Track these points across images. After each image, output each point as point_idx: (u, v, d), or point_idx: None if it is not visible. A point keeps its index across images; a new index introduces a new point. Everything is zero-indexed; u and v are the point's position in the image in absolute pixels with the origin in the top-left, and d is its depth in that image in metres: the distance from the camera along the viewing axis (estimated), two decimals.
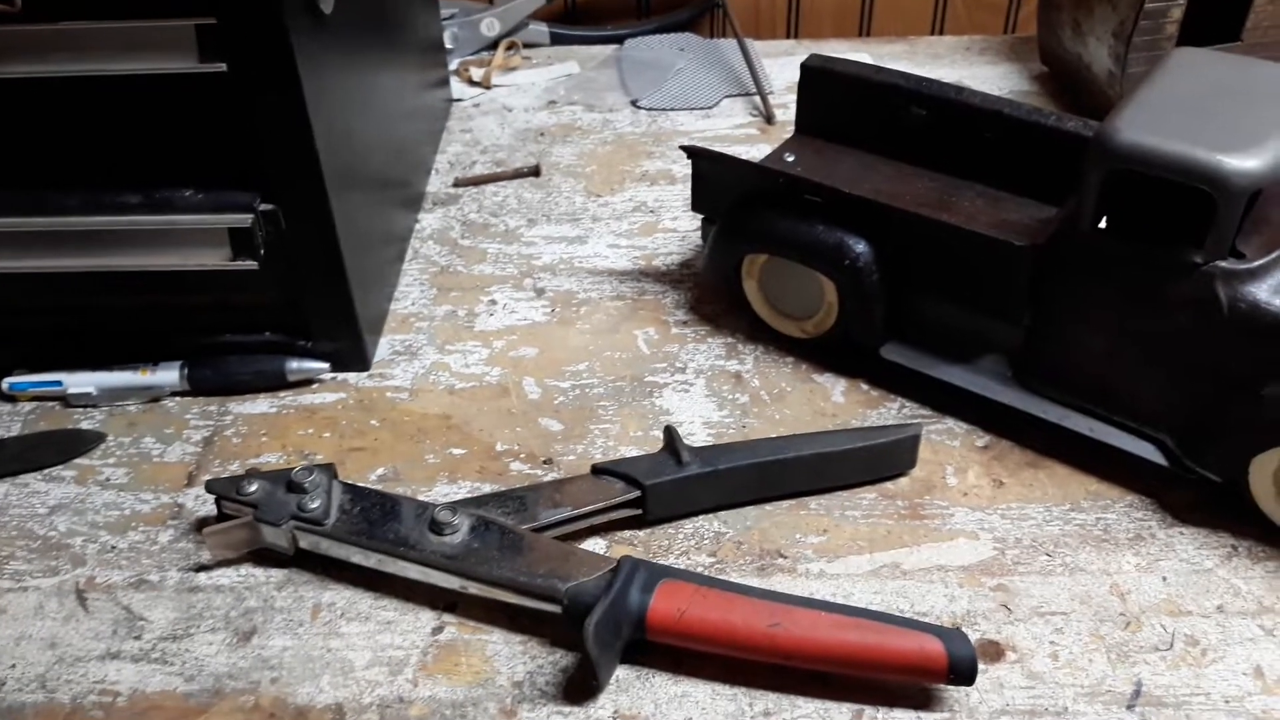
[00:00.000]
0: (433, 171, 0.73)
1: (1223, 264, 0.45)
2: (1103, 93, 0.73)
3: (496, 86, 0.82)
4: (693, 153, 0.57)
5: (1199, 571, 0.46)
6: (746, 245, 0.56)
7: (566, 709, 0.42)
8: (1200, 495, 0.48)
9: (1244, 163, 0.43)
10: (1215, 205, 0.43)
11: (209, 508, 0.49)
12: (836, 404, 0.55)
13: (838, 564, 0.47)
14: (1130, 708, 0.41)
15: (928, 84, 0.60)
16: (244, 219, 0.50)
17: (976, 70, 0.83)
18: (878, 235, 0.52)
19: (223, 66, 0.46)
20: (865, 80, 0.61)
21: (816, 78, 0.62)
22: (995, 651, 0.43)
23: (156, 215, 0.50)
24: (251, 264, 0.51)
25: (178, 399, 0.56)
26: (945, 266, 0.52)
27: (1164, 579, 0.46)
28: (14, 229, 0.51)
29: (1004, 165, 0.58)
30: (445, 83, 0.81)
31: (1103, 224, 0.48)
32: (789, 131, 0.65)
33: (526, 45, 0.87)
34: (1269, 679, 0.42)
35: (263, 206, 0.50)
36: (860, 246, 0.52)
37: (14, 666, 0.44)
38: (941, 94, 0.59)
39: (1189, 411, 0.47)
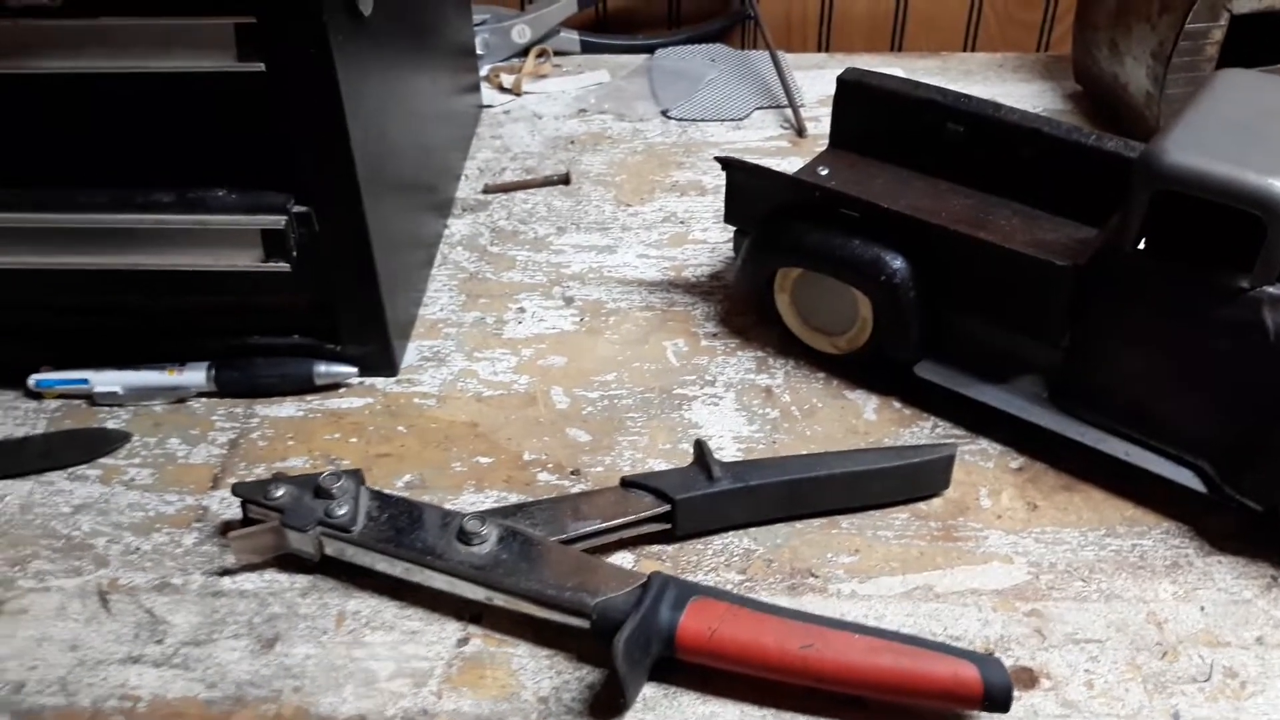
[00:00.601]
0: (462, 177, 0.73)
1: (1271, 289, 0.44)
2: (1140, 114, 0.72)
3: (527, 94, 0.82)
4: (727, 164, 0.57)
5: (1238, 602, 0.45)
6: (780, 258, 0.55)
7: None
8: (1238, 524, 0.48)
9: None
10: (1265, 229, 0.43)
11: (234, 511, 0.49)
12: (869, 421, 0.54)
13: (870, 585, 0.46)
14: None
15: (965, 100, 0.59)
16: (277, 220, 0.50)
17: (1010, 88, 0.83)
18: (915, 251, 0.52)
19: (261, 66, 0.46)
20: (902, 95, 0.60)
21: (853, 91, 0.62)
22: (1029, 678, 0.42)
23: (189, 215, 0.50)
24: (283, 266, 0.51)
25: (204, 400, 0.55)
26: (983, 285, 0.51)
27: (1202, 609, 0.45)
28: (45, 224, 0.50)
29: (1041, 184, 0.57)
30: (476, 88, 0.81)
31: (1143, 245, 0.47)
32: (820, 145, 0.65)
33: (557, 53, 0.87)
34: None
35: (296, 208, 0.50)
36: (897, 262, 0.52)
37: (35, 668, 0.43)
38: (979, 110, 0.59)
39: (1229, 437, 0.47)
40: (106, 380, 0.55)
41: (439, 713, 0.41)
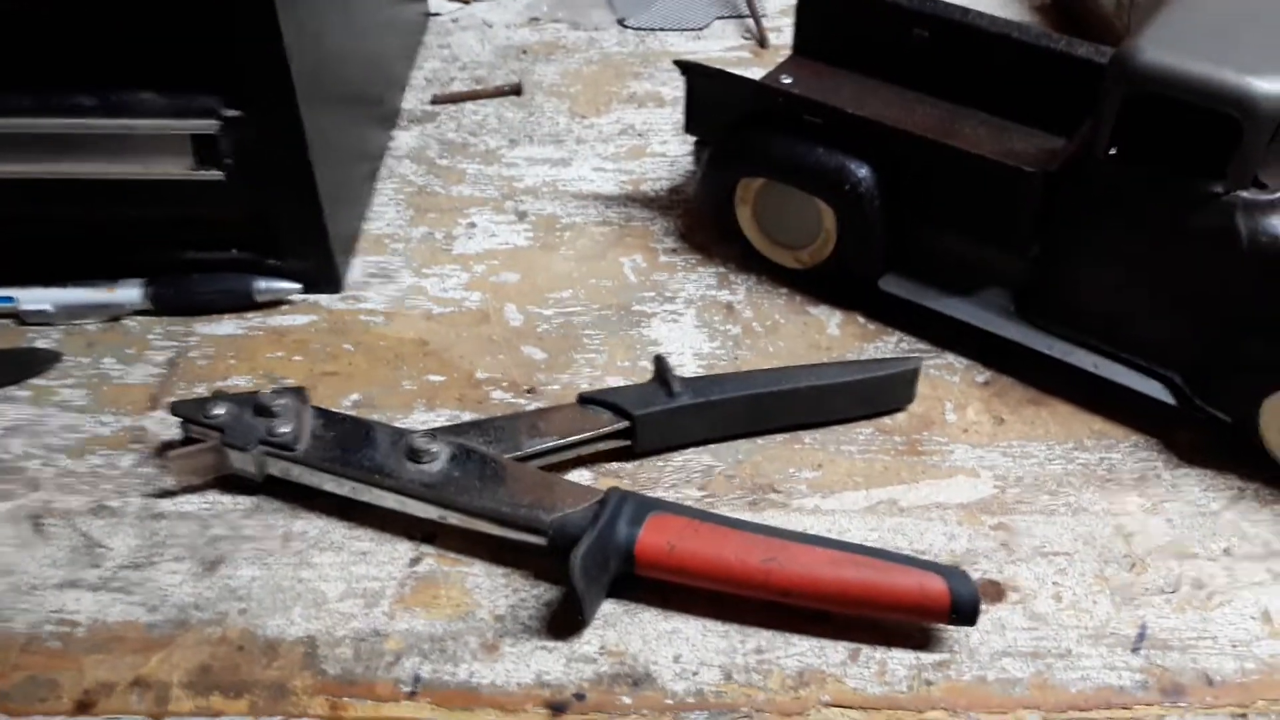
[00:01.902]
0: (408, 88, 0.70)
1: (1244, 194, 0.43)
2: (1109, 24, 0.71)
3: (475, 1, 0.79)
4: (688, 68, 0.54)
5: (1205, 514, 0.45)
6: (742, 168, 0.53)
7: (551, 644, 0.40)
8: (1207, 436, 0.47)
9: (1274, 86, 0.41)
10: (1240, 131, 0.41)
11: (173, 432, 0.47)
12: (832, 337, 0.52)
13: (832, 499, 0.45)
14: (1135, 650, 0.40)
15: (932, 4, 0.57)
16: (209, 125, 0.47)
17: (974, 0, 0.80)
18: (881, 160, 0.50)
19: None
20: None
21: None
22: (996, 592, 0.42)
23: (113, 119, 0.47)
24: (217, 174, 0.48)
25: (139, 318, 0.53)
26: (950, 194, 0.49)
27: (1169, 521, 0.44)
28: None
29: (1010, 92, 0.56)
30: None
31: (1115, 151, 0.45)
32: (782, 56, 0.62)
33: None
34: (1276, 623, 0.41)
35: (228, 113, 0.47)
36: (863, 171, 0.50)
37: None
38: (946, 15, 0.56)
39: (1201, 348, 0.46)
40: (35, 298, 0.52)
41: (391, 633, 0.40)
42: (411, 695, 0.38)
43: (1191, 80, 0.42)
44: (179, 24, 0.45)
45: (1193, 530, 0.44)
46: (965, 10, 0.56)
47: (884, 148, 0.50)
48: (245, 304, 0.53)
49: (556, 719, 0.38)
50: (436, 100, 0.68)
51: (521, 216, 0.60)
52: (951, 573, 0.39)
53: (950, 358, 0.51)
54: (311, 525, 0.44)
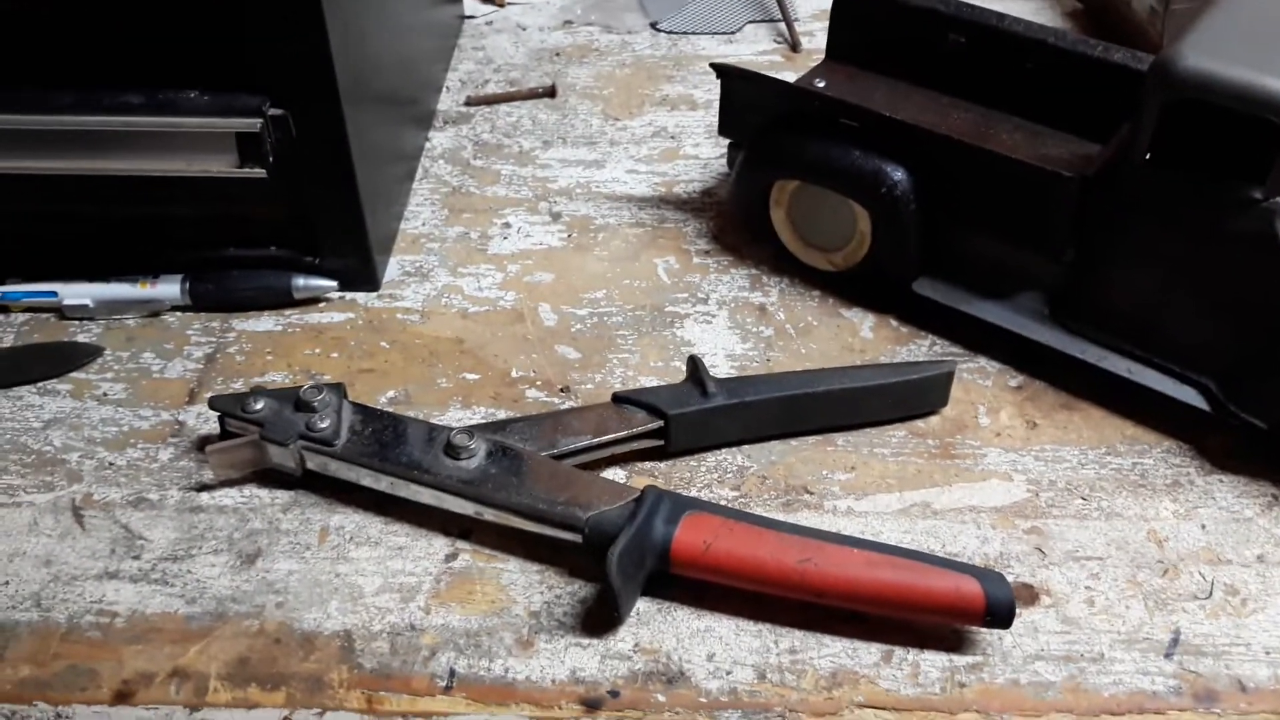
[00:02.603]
0: (444, 89, 0.70)
1: None
2: (1143, 31, 0.70)
3: (510, 4, 0.79)
4: (723, 71, 0.55)
5: (1239, 520, 0.45)
6: (776, 170, 0.54)
7: (585, 640, 0.40)
8: (1241, 443, 0.47)
9: None
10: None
11: (211, 426, 0.47)
12: (865, 339, 0.53)
13: (866, 501, 0.45)
14: (1168, 656, 0.40)
15: (968, 9, 0.57)
16: (252, 123, 0.47)
17: (1006, 5, 0.80)
18: (917, 163, 0.50)
19: None
20: (902, 4, 0.58)
21: (851, 1, 0.59)
22: (1029, 595, 0.42)
23: (160, 117, 0.48)
24: (259, 172, 0.49)
25: (178, 314, 0.54)
26: (986, 198, 0.50)
27: (1203, 526, 0.44)
28: (9, 127, 0.48)
29: (1045, 98, 0.56)
30: None
31: (1150, 157, 0.45)
32: (814, 61, 0.63)
33: None
34: None
35: (272, 111, 0.48)
36: (898, 174, 0.50)
37: (7, 583, 0.42)
38: (982, 20, 0.57)
39: (1236, 354, 0.46)
40: (76, 293, 0.53)
41: (427, 627, 0.40)
42: (447, 690, 0.39)
43: (1232, 86, 0.42)
44: (225, 24, 0.46)
45: (1226, 536, 0.44)
46: (1001, 16, 0.56)
47: (920, 151, 0.50)
48: (283, 301, 0.53)
49: (591, 715, 0.38)
50: (471, 102, 0.69)
51: (555, 217, 0.60)
52: (987, 575, 0.39)
53: (983, 361, 0.51)
54: (349, 520, 0.44)
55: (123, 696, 0.39)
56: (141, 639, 0.40)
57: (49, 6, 0.46)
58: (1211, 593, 0.42)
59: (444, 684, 0.39)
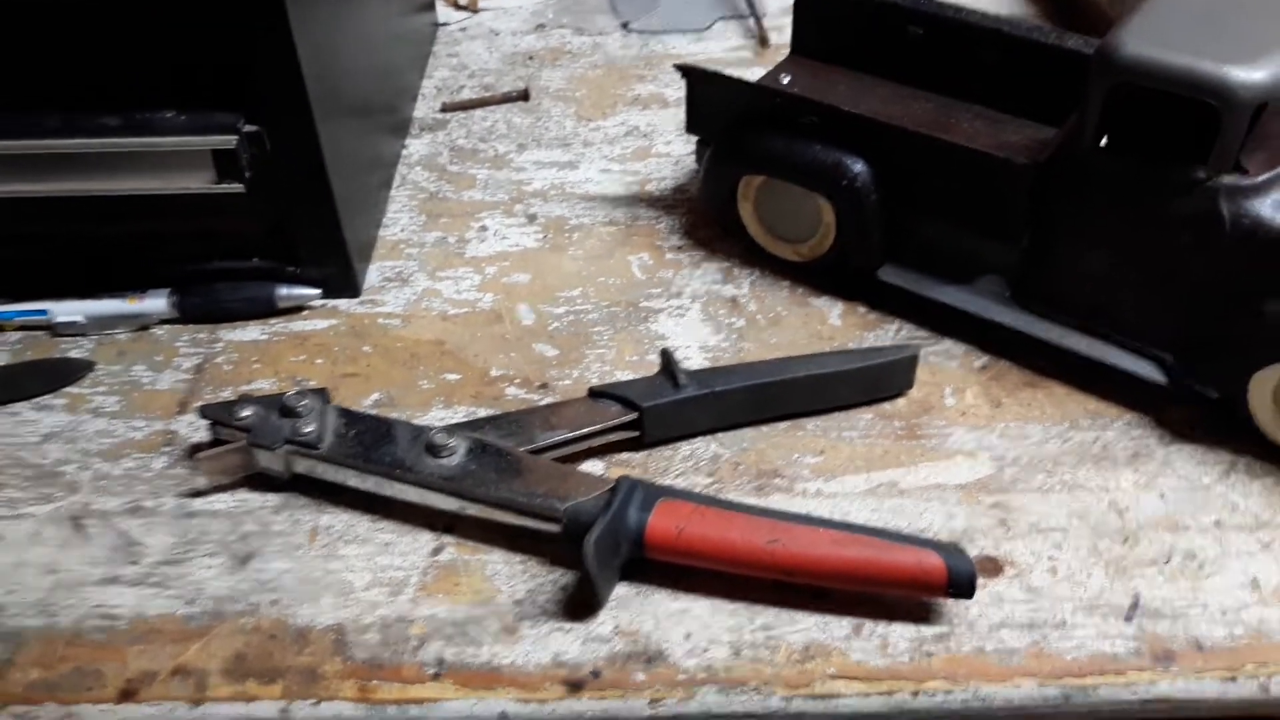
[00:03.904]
0: (419, 97, 0.72)
1: (1226, 179, 0.44)
2: (1103, 15, 0.72)
3: (483, 9, 0.81)
4: (687, 72, 0.56)
5: (1197, 488, 0.46)
6: (742, 167, 0.55)
7: (568, 625, 0.42)
8: (1198, 413, 0.48)
9: (1250, 75, 0.42)
10: (1220, 119, 0.43)
11: (202, 434, 0.49)
12: (833, 327, 0.54)
13: (835, 483, 0.47)
14: (1128, 619, 0.41)
15: (925, 2, 0.58)
16: (228, 140, 0.49)
17: None
18: (876, 155, 0.52)
19: None
20: None
21: None
22: (994, 567, 0.43)
23: (137, 137, 0.49)
24: (237, 187, 0.50)
25: (167, 327, 0.55)
26: (944, 187, 0.51)
27: (1162, 495, 0.46)
28: None
29: (1003, 86, 0.57)
30: (430, 6, 0.79)
31: (1103, 141, 0.47)
32: (783, 55, 0.64)
33: None
34: (1265, 590, 0.42)
35: (247, 128, 0.49)
36: (858, 166, 0.52)
37: (13, 591, 0.43)
38: (939, 12, 0.58)
39: (1189, 329, 0.47)
40: (67, 310, 0.54)
41: (416, 618, 0.42)
42: (436, 677, 0.40)
43: (1172, 71, 0.43)
44: (197, 45, 0.47)
45: (1184, 504, 0.46)
46: (958, 8, 0.58)
47: (879, 143, 0.51)
48: (268, 311, 0.55)
49: (574, 696, 0.40)
50: (446, 108, 0.70)
51: (531, 219, 0.61)
52: (948, 549, 0.41)
53: (949, 344, 0.53)
54: (337, 519, 0.46)
55: (127, 695, 0.40)
56: (143, 640, 0.42)
57: (30, 34, 0.48)
58: (1170, 558, 0.44)
59: (433, 672, 0.41)
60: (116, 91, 0.49)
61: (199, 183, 0.50)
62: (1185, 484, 0.46)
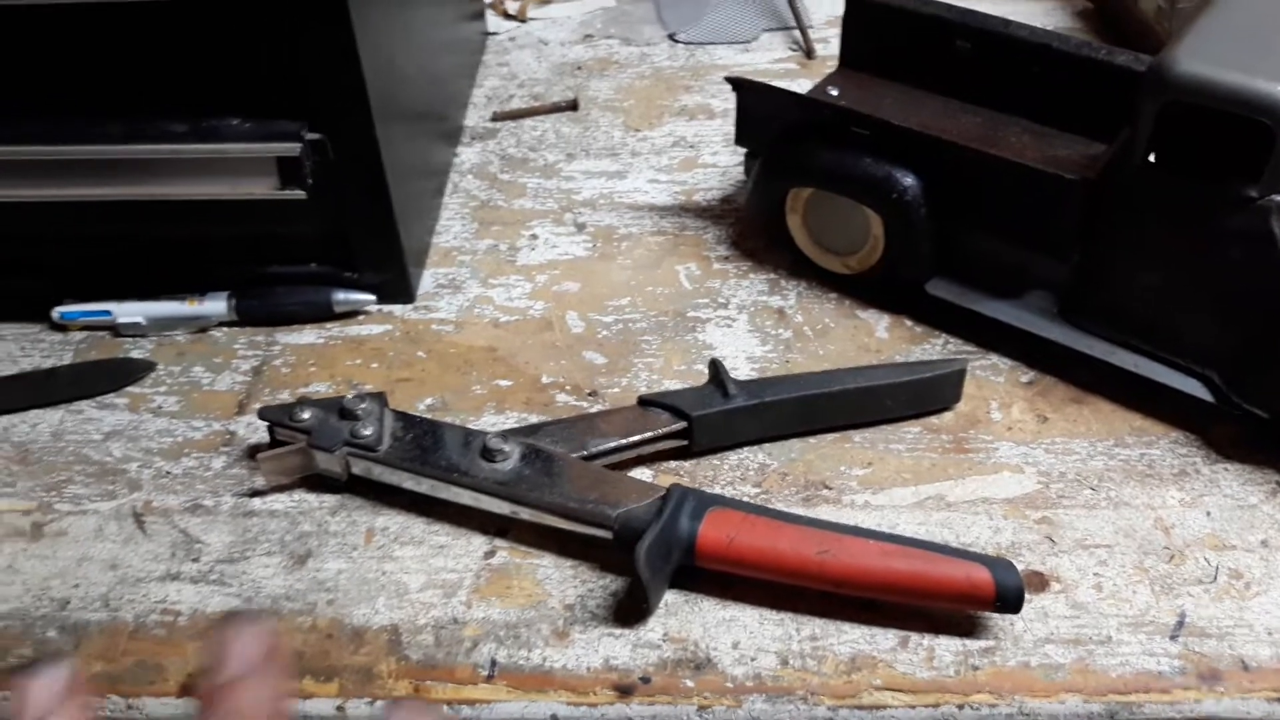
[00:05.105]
0: (470, 105, 0.73)
1: (1278, 198, 0.44)
2: (1151, 30, 0.72)
3: (532, 20, 0.82)
4: (737, 84, 0.57)
5: (1243, 507, 0.46)
6: (791, 179, 0.56)
7: (617, 631, 0.42)
8: (1245, 432, 0.49)
9: None
10: (1273, 137, 0.43)
11: (260, 435, 0.50)
12: (880, 340, 0.55)
13: (882, 495, 0.47)
14: (1174, 638, 0.42)
15: (974, 16, 0.59)
16: (292, 148, 0.50)
17: (1017, 7, 0.82)
18: (926, 169, 0.52)
19: None
20: (911, 12, 0.60)
21: (861, 10, 0.61)
22: (1040, 582, 0.44)
23: (203, 144, 0.50)
24: (299, 194, 0.51)
25: (225, 329, 0.56)
26: (993, 201, 0.51)
27: (1208, 514, 0.46)
28: (60, 157, 0.51)
29: (1051, 100, 0.57)
30: (480, 16, 0.80)
31: (1153, 158, 0.47)
32: (829, 67, 0.64)
33: None
34: None
35: (310, 135, 0.50)
36: (909, 180, 0.52)
37: (77, 586, 0.45)
38: (989, 26, 0.58)
39: (1237, 347, 0.47)
40: (129, 311, 0.56)
41: (469, 620, 0.43)
42: (489, 678, 0.41)
43: (1225, 90, 0.43)
44: (264, 54, 0.49)
45: (1231, 523, 0.46)
46: (1006, 22, 0.58)
47: (929, 157, 0.52)
48: (324, 315, 0.56)
49: (624, 700, 0.40)
50: (497, 117, 0.71)
51: (580, 228, 0.62)
52: (996, 563, 0.41)
53: (995, 358, 0.53)
54: (392, 521, 0.47)
55: (188, 690, 0.41)
56: (203, 636, 0.43)
57: (99, 42, 0.49)
58: (1216, 577, 0.44)
59: (486, 673, 0.41)
60: (183, 98, 0.51)
61: (262, 189, 0.51)
62: (1232, 502, 0.47)
